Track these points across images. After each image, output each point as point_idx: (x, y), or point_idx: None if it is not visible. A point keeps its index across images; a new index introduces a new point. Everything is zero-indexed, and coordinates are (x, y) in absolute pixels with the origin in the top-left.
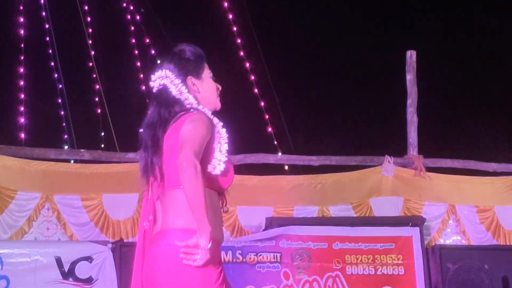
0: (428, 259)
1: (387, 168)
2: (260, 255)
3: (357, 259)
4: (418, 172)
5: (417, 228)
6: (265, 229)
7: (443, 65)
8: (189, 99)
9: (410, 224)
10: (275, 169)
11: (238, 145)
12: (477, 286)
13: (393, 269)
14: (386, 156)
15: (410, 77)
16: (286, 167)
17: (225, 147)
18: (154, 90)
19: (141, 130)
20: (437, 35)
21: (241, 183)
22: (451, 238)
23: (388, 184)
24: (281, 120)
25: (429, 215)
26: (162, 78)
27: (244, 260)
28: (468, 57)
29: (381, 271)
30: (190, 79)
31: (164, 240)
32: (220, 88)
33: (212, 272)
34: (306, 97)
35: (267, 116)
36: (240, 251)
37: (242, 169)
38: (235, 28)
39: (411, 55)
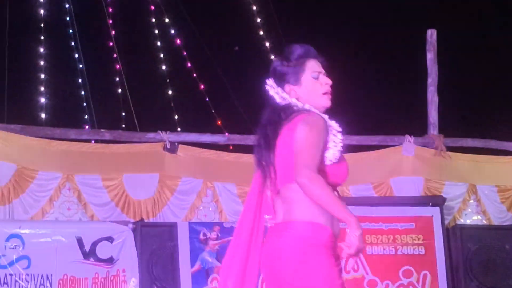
0: (449, 239)
1: (408, 148)
2: None
3: (377, 239)
4: (438, 151)
5: (438, 208)
6: None
7: (464, 43)
8: (295, 102)
9: (431, 204)
10: None
11: (257, 125)
12: (497, 266)
13: (414, 249)
14: (407, 135)
15: (431, 56)
16: None
17: (339, 143)
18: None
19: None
20: (458, 14)
21: None
22: (471, 218)
23: (408, 163)
24: None
25: (449, 195)
26: (270, 87)
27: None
28: (489, 36)
29: (401, 251)
30: (287, 87)
31: (289, 231)
32: (328, 83)
33: (336, 268)
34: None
35: None
36: None
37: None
38: (254, 7)
39: (431, 34)
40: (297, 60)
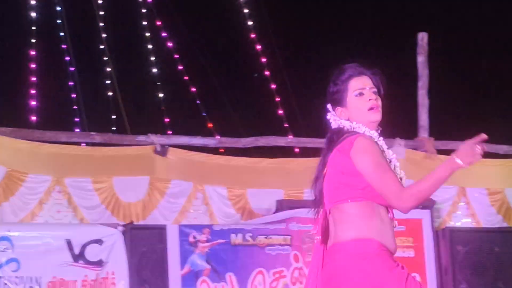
0: (438, 242)
1: (398, 151)
2: (270, 237)
3: None
4: (429, 154)
5: (428, 211)
6: (276, 211)
7: (455, 47)
8: (345, 124)
9: (421, 206)
10: (286, 152)
11: (249, 128)
12: (486, 268)
13: (403, 252)
14: (397, 138)
15: (422, 59)
16: (297, 150)
17: (394, 162)
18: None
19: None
20: (448, 17)
21: (251, 165)
22: (461, 221)
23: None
24: (292, 103)
25: (439, 198)
26: (328, 114)
27: (254, 242)
28: (479, 39)
29: None
30: (338, 109)
31: (338, 253)
32: (372, 99)
33: (395, 270)
34: (317, 79)
35: (278, 99)
36: (250, 234)
37: (253, 152)
38: (246, 10)
39: (422, 37)
40: (343, 81)
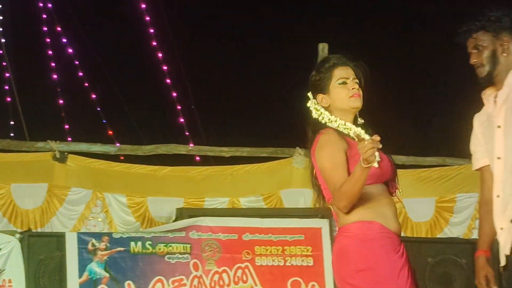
0: None
1: (298, 160)
2: (170, 246)
3: (266, 250)
4: None
5: (327, 220)
6: (176, 220)
7: (355, 57)
8: (322, 117)
9: (320, 215)
10: (186, 160)
11: (149, 136)
12: None
13: (302, 261)
14: (297, 148)
15: None
16: (198, 158)
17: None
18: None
19: None
20: (348, 28)
21: (152, 173)
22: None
23: (298, 175)
24: (193, 111)
25: None
26: (309, 101)
27: (153, 251)
28: (380, 50)
29: (290, 262)
30: (319, 97)
31: (343, 233)
32: (355, 87)
33: (396, 264)
34: (218, 88)
35: (179, 107)
36: (150, 242)
37: (153, 160)
38: (148, 18)
39: (323, 48)
40: (327, 69)
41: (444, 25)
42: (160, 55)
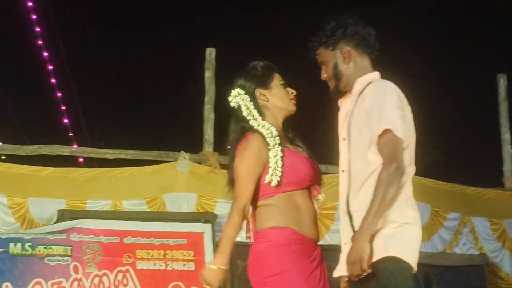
0: None
1: (182, 164)
2: (50, 248)
3: (148, 254)
4: (212, 169)
5: (209, 225)
6: (57, 221)
7: (242, 63)
8: (252, 119)
9: (203, 220)
10: (70, 161)
11: (32, 135)
12: None
13: (184, 265)
14: (182, 152)
15: (209, 74)
16: (81, 160)
17: (279, 156)
18: (232, 106)
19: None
20: (235, 34)
21: (33, 174)
22: (242, 236)
23: (182, 180)
24: (78, 112)
25: (222, 212)
26: (236, 97)
27: (33, 252)
28: (273, 57)
29: (171, 266)
30: (258, 91)
31: (258, 239)
32: (294, 93)
33: (306, 267)
34: (104, 90)
35: (63, 107)
36: (29, 244)
37: (36, 160)
38: (34, 16)
39: (210, 53)
40: (268, 68)
41: None
42: (45, 54)
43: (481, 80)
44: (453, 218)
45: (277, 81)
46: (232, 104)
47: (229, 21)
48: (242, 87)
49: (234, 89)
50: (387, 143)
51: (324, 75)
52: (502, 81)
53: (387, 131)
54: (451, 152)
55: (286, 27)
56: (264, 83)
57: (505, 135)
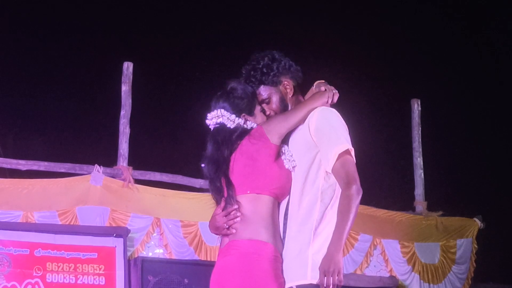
0: (130, 271)
1: (96, 177)
2: None
3: (58, 267)
4: (126, 183)
5: (121, 239)
6: None
7: (160, 77)
8: (248, 123)
9: (115, 234)
10: None
11: None
12: None
13: (94, 279)
14: (96, 165)
15: (126, 88)
16: None
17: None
18: (211, 128)
19: (203, 165)
20: (154, 47)
21: None
22: (154, 251)
23: (96, 193)
24: None
25: (134, 227)
26: (218, 117)
27: None
28: (185, 72)
29: (81, 280)
30: (244, 116)
31: (235, 249)
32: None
33: (282, 285)
34: (18, 99)
35: None
36: None
37: None
38: None
39: (128, 67)
40: (249, 94)
41: None
42: None
43: (395, 104)
44: (364, 240)
45: (259, 107)
46: (210, 124)
47: (147, 35)
48: (226, 109)
49: (216, 110)
50: (347, 163)
51: (268, 112)
52: (416, 106)
53: (347, 152)
54: (364, 175)
55: (204, 42)
56: (250, 109)
57: (418, 159)
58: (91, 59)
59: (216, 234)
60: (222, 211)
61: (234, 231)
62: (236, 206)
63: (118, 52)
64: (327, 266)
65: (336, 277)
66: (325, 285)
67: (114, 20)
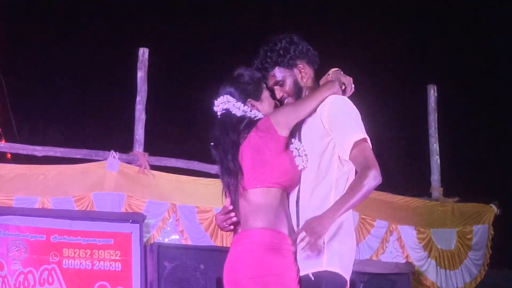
0: (146, 256)
1: (112, 163)
2: None
3: (74, 253)
4: (142, 169)
5: (137, 225)
6: None
7: (175, 63)
8: (253, 113)
9: (131, 220)
10: None
11: None
12: (191, 285)
13: (110, 265)
14: (112, 151)
15: (141, 74)
16: (9, 156)
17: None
18: (218, 114)
19: (212, 150)
20: (170, 33)
21: None
22: (170, 237)
23: (111, 179)
24: (7, 107)
25: (150, 213)
26: (224, 103)
27: None
28: (205, 58)
29: (98, 266)
30: (250, 102)
31: (250, 238)
32: (278, 104)
33: (296, 273)
34: (34, 86)
35: None
36: None
37: None
38: None
39: (143, 52)
40: (256, 80)
41: None
42: None
43: (411, 90)
44: (380, 226)
45: (266, 93)
46: (217, 110)
47: (162, 21)
48: (232, 95)
49: (222, 96)
50: (365, 149)
51: (280, 94)
52: (432, 92)
53: (363, 139)
54: (380, 161)
55: (219, 29)
56: (257, 95)
57: (434, 145)
58: (107, 46)
59: (221, 230)
60: (221, 211)
61: (232, 227)
62: (231, 207)
63: (134, 38)
64: (313, 225)
65: (313, 240)
66: (301, 240)
67: (130, 6)
